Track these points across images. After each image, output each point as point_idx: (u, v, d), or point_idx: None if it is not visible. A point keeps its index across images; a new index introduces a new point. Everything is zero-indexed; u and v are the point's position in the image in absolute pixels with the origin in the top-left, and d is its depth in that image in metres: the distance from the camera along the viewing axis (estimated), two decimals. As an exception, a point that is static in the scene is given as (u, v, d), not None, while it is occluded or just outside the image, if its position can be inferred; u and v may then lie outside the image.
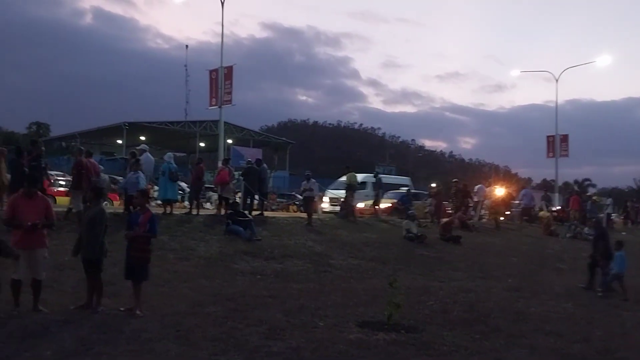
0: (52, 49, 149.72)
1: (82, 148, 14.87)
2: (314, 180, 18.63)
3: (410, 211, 19.02)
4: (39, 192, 7.90)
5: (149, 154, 16.22)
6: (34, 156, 13.13)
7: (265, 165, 18.57)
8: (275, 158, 55.65)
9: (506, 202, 24.28)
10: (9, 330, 6.55)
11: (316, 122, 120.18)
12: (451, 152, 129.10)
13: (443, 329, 8.11)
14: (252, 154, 39.47)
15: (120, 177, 18.81)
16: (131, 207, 12.45)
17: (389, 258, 14.43)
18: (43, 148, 14.35)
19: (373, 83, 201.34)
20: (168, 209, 15.68)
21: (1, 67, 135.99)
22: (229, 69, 24.11)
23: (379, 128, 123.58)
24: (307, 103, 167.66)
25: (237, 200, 17.32)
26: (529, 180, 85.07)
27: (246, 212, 15.61)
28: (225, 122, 26.82)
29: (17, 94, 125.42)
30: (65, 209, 13.19)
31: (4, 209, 9.40)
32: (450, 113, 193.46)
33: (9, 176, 13.04)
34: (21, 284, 7.38)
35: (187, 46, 56.68)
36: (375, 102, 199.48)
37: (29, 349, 6.03)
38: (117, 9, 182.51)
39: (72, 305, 7.81)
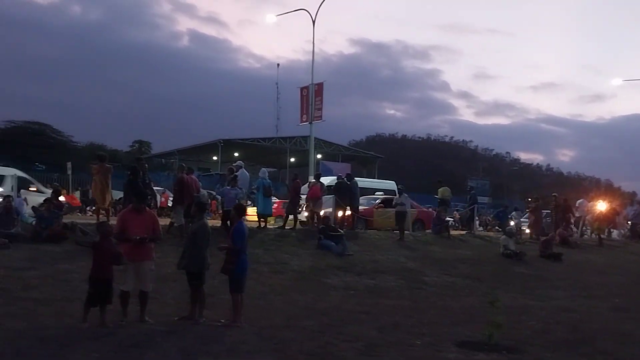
0: (151, 70, 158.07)
1: (184, 165, 15.57)
2: (405, 194, 18.45)
3: (508, 227, 18.40)
4: (147, 208, 8.35)
5: (245, 170, 16.70)
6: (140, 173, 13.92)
7: (355, 180, 18.62)
8: (363, 172, 55.66)
9: (610, 218, 22.93)
10: (118, 340, 6.89)
11: (405, 135, 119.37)
12: (548, 165, 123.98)
13: (546, 351, 7.76)
14: (340, 168, 39.70)
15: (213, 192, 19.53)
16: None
17: (484, 275, 13.99)
18: (146, 165, 15.15)
19: (464, 95, 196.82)
20: (262, 224, 16.06)
21: (106, 89, 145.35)
22: (319, 86, 24.50)
23: (471, 141, 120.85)
24: (395, 117, 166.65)
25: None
26: (634, 194, 79.77)
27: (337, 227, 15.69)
28: (314, 138, 27.21)
29: (120, 114, 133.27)
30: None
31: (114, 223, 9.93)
32: (546, 124, 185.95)
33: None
34: (129, 295, 7.77)
35: (278, 65, 58.33)
36: (466, 114, 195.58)
37: (137, 358, 6.33)
38: (211, 31, 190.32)
39: (175, 316, 8.13)
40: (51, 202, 13.79)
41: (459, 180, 58.91)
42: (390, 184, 26.44)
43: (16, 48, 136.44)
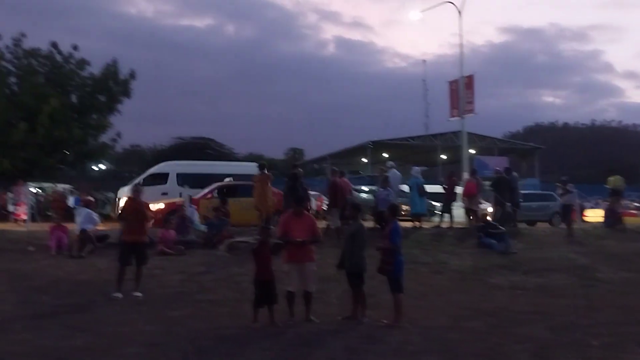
0: (301, 80, 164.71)
1: (336, 169, 15.94)
2: (571, 186, 17.20)
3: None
4: (306, 211, 8.64)
5: (396, 170, 16.66)
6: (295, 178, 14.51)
7: (515, 173, 17.73)
8: (523, 165, 52.89)
9: None
10: (288, 338, 7.19)
11: (566, 123, 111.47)
12: None
13: None
14: (497, 162, 38.05)
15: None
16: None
17: (671, 271, 12.57)
18: (301, 170, 15.75)
19: (630, 75, 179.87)
20: (417, 223, 15.89)
21: (261, 101, 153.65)
22: (469, 78, 23.73)
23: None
24: (555, 104, 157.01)
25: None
26: None
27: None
28: (467, 132, 26.38)
29: (275, 124, 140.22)
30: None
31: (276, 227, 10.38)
32: None
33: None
34: (294, 295, 8.07)
35: (424, 61, 58.08)
36: (634, 95, 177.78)
37: (306, 356, 6.54)
38: (357, 35, 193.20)
39: (339, 316, 8.29)
40: (219, 210, 14.83)
41: (630, 168, 53.66)
42: (249, 167, 21.51)
43: (181, 71, 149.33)
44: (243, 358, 6.36)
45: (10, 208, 19.57)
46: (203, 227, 14.97)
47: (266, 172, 14.99)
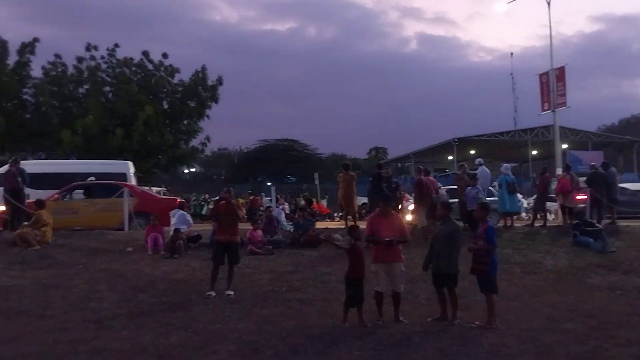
0: (383, 78, 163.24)
1: (421, 167, 15.70)
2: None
3: None
4: (393, 211, 8.56)
5: (485, 168, 16.21)
6: (385, 178, 14.45)
7: (613, 168, 16.77)
8: (619, 159, 50.03)
9: None
10: (377, 339, 7.15)
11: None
12: None
13: None
14: (591, 157, 36.23)
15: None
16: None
17: None
18: (389, 170, 15.69)
19: None
20: (508, 222, 15.38)
21: (343, 101, 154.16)
22: (561, 70, 22.77)
23: None
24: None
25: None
26: None
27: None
28: (559, 126, 25.28)
29: (356, 123, 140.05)
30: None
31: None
32: None
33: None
34: (382, 295, 8.02)
35: (511, 54, 56.44)
36: None
37: (397, 357, 6.49)
38: (439, 31, 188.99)
39: (429, 317, 8.16)
40: (305, 210, 15.01)
41: None
42: (120, 166, 20.16)
43: (265, 74, 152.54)
44: (333, 357, 6.40)
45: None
46: (290, 227, 15.21)
47: (350, 171, 15.01)
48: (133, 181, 19.46)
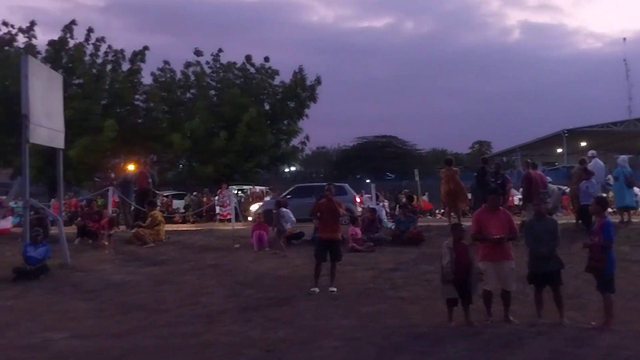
0: (484, 70, 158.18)
1: (529, 161, 15.03)
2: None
3: None
4: (501, 207, 8.24)
5: (598, 160, 15.29)
6: (493, 172, 14.03)
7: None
8: None
9: None
10: (486, 339, 6.91)
11: None
12: None
13: None
14: None
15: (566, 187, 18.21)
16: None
17: None
18: (499, 163, 15.25)
19: None
20: (625, 217, 14.38)
21: (442, 96, 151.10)
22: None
23: None
24: None
25: None
26: None
27: None
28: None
29: (458, 117, 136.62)
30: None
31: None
32: None
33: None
34: (492, 295, 7.74)
35: (624, 39, 52.54)
36: None
37: (507, 357, 6.24)
38: (545, 18, 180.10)
39: (540, 317, 7.78)
40: (406, 207, 14.85)
41: None
42: None
43: (362, 72, 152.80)
44: (440, 357, 6.25)
45: (217, 209, 21.52)
46: (391, 225, 15.10)
47: (453, 167, 14.65)
48: None
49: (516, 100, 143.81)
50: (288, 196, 18.64)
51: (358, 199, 19.85)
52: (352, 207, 18.67)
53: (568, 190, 18.47)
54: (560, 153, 48.66)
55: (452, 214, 14.94)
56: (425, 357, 6.23)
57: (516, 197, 19.90)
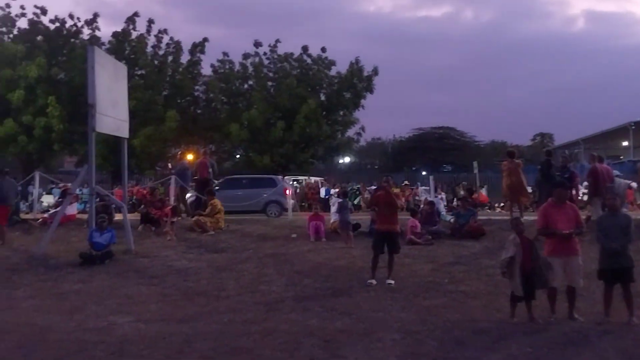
0: (547, 61, 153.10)
1: (595, 154, 14.47)
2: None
3: None
4: (568, 201, 7.96)
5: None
6: (560, 166, 13.64)
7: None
8: None
9: None
10: (550, 336, 6.72)
11: None
12: None
13: None
14: None
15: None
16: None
17: None
18: (568, 152, 14.78)
19: None
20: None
21: (502, 86, 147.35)
22: None
23: None
24: None
25: None
26: None
27: None
28: None
29: (519, 109, 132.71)
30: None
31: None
32: None
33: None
34: (556, 291, 7.52)
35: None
36: None
37: (573, 356, 6.08)
38: (610, 7, 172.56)
39: (607, 316, 7.50)
40: (466, 200, 14.59)
41: None
42: None
43: (419, 62, 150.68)
44: (503, 353, 6.11)
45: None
46: (449, 218, 14.88)
47: (515, 159, 14.27)
48: None
49: (579, 92, 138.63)
50: (217, 187, 18.75)
51: (288, 192, 20.05)
52: (281, 200, 19.37)
53: (635, 185, 17.74)
54: (625, 146, 46.60)
55: (513, 208, 14.57)
56: (488, 353, 6.11)
57: (580, 191, 19.22)
